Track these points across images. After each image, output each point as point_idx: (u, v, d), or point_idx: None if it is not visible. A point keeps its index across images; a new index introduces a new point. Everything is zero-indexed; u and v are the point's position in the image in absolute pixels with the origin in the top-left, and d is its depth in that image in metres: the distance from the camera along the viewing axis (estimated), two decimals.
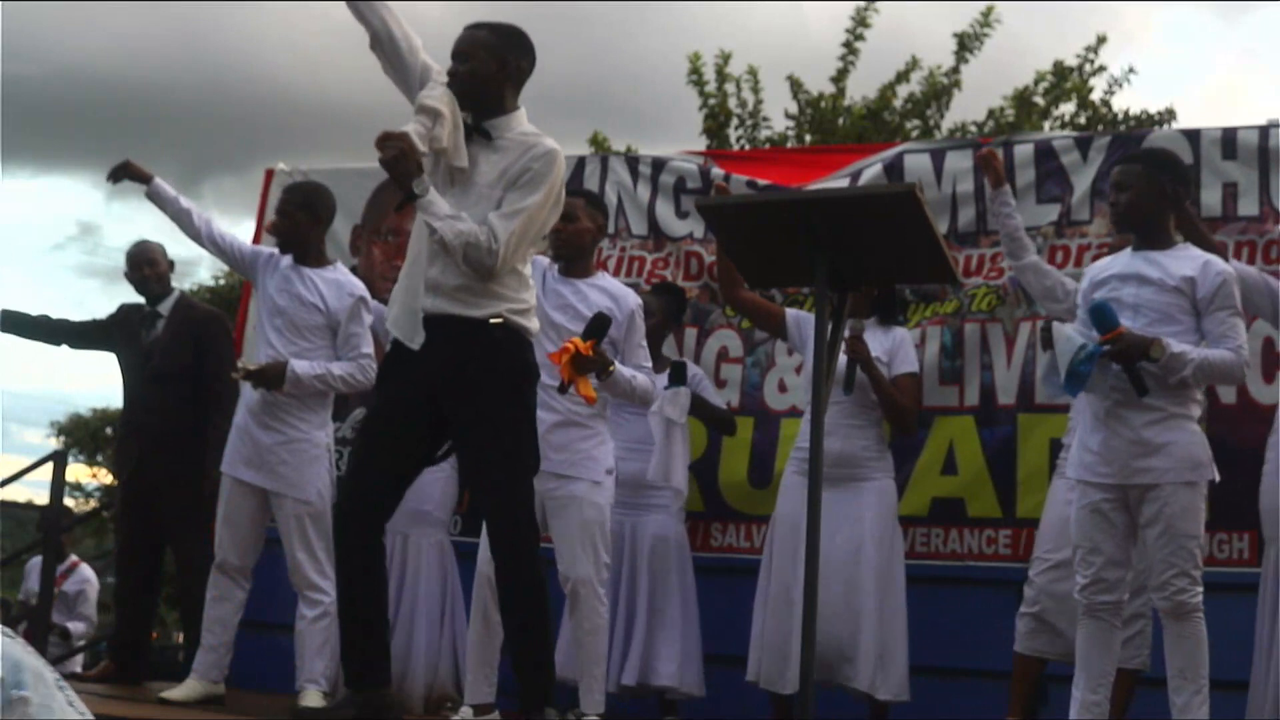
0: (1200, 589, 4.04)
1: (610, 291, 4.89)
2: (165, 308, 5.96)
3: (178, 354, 5.85)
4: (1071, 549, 4.37)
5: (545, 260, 4.96)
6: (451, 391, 3.90)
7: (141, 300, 6.04)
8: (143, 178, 5.25)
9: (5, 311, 5.96)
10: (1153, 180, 4.25)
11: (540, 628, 3.97)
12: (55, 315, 6.10)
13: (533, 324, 4.03)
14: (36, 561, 8.97)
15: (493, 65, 3.94)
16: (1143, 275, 4.21)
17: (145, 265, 5.96)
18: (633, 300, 4.92)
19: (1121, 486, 4.12)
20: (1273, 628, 4.46)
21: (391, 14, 3.96)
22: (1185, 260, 4.22)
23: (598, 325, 4.62)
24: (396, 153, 3.75)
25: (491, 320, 3.89)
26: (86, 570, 9.14)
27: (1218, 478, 4.16)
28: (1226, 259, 4.51)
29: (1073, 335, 4.15)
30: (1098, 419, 4.19)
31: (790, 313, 5.26)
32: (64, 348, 6.14)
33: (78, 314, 6.84)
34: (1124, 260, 4.31)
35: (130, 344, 5.95)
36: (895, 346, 5.15)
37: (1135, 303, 4.18)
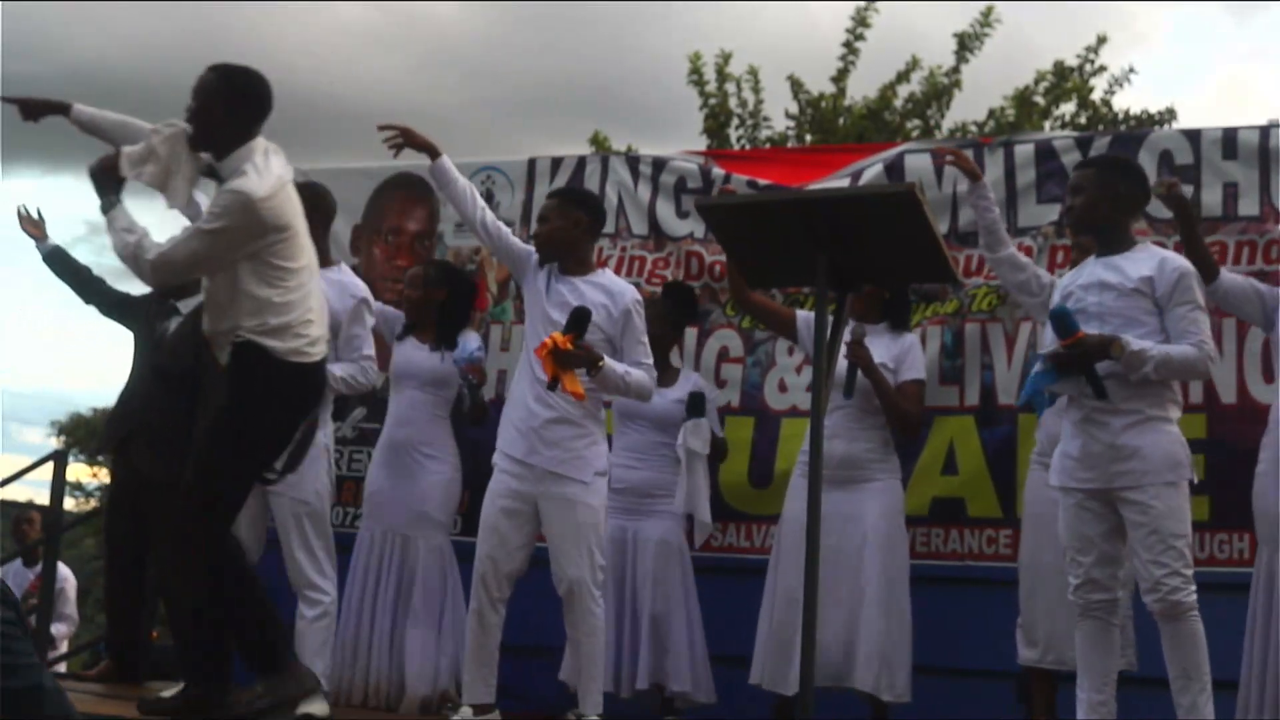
0: (1193, 587, 4.04)
1: (607, 288, 4.89)
2: (186, 305, 5.90)
3: (182, 355, 5.79)
4: (1045, 546, 4.50)
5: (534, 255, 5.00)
6: None
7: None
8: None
9: (55, 246, 5.93)
10: (1106, 184, 4.29)
11: (206, 608, 4.13)
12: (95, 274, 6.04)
13: (289, 341, 4.08)
14: (9, 567, 8.94)
15: (207, 106, 4.12)
16: (1104, 281, 4.24)
17: None
18: (629, 296, 4.90)
19: (1104, 490, 4.14)
20: (1265, 628, 4.47)
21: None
22: (1143, 260, 4.25)
23: (576, 319, 4.63)
24: (96, 165, 4.13)
25: (234, 342, 4.09)
26: (63, 569, 9.13)
27: (1196, 479, 4.17)
28: (1216, 269, 4.58)
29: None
30: (1074, 425, 4.21)
31: (801, 315, 5.24)
32: (91, 308, 6.09)
33: (86, 308, 6.69)
34: (1088, 269, 4.34)
35: (146, 329, 5.90)
36: (903, 352, 5.13)
37: (1099, 311, 4.20)
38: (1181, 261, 4.27)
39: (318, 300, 4.23)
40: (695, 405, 5.29)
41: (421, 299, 5.66)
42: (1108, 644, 4.16)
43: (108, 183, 4.15)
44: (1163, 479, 4.07)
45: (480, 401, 5.58)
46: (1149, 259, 4.25)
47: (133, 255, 4.08)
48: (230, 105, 4.10)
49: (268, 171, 4.04)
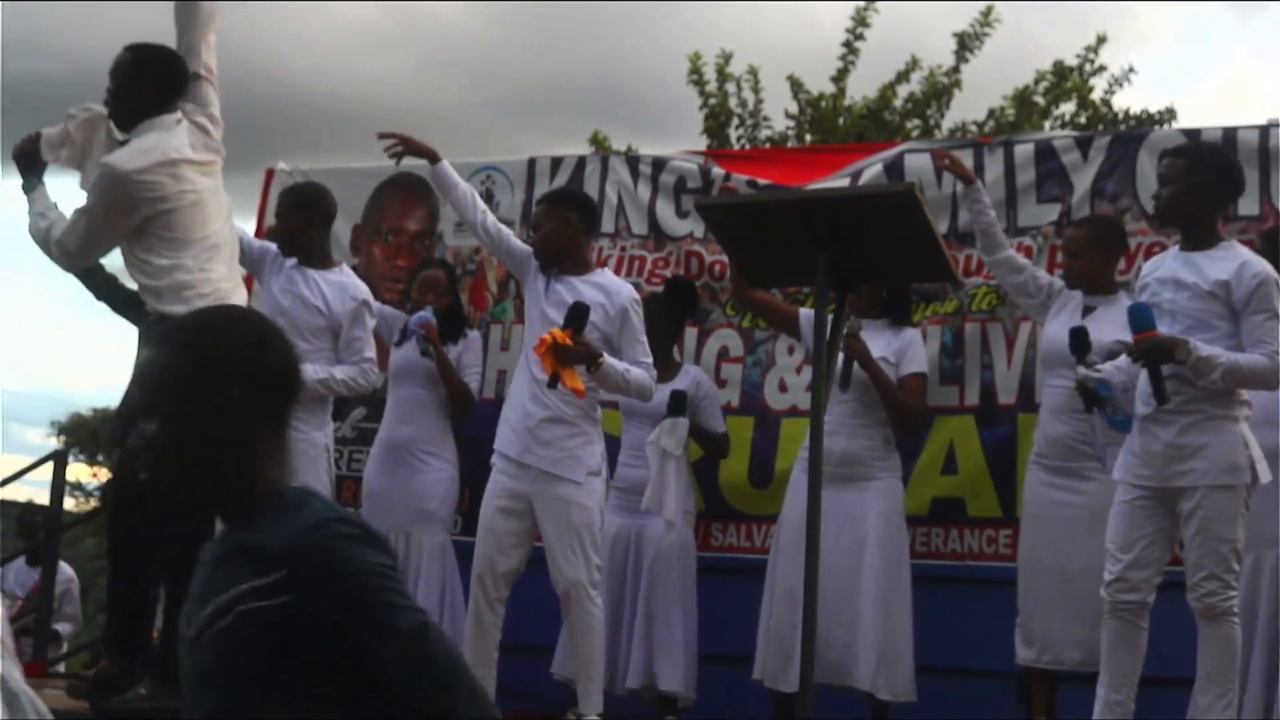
0: (1233, 593, 4.01)
1: (604, 287, 4.89)
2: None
3: None
4: (1042, 546, 4.52)
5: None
6: None
7: None
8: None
9: None
10: (1195, 176, 4.18)
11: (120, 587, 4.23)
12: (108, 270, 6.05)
13: (166, 304, 4.16)
14: (12, 566, 8.93)
15: (125, 85, 4.24)
16: (1180, 279, 4.14)
17: None
18: (626, 295, 4.90)
19: (1160, 489, 4.09)
20: (1253, 630, 4.46)
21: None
22: (1222, 262, 4.12)
23: (575, 314, 4.63)
24: (17, 147, 4.25)
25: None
26: (68, 569, 9.12)
27: (1266, 478, 4.09)
28: None
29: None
30: (1139, 423, 4.16)
31: (804, 313, 5.23)
32: (102, 305, 6.07)
33: (91, 309, 6.79)
34: (1167, 263, 4.25)
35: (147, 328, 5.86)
36: (904, 347, 5.12)
37: (1172, 309, 4.12)
38: (1262, 267, 4.12)
39: (214, 263, 4.27)
40: (676, 404, 5.22)
41: (441, 303, 5.63)
42: (1132, 645, 4.11)
43: (29, 165, 4.26)
44: (1217, 480, 4.01)
45: (450, 371, 5.51)
46: (1230, 261, 4.12)
47: (44, 239, 4.21)
48: (144, 82, 4.21)
49: (154, 147, 4.13)
